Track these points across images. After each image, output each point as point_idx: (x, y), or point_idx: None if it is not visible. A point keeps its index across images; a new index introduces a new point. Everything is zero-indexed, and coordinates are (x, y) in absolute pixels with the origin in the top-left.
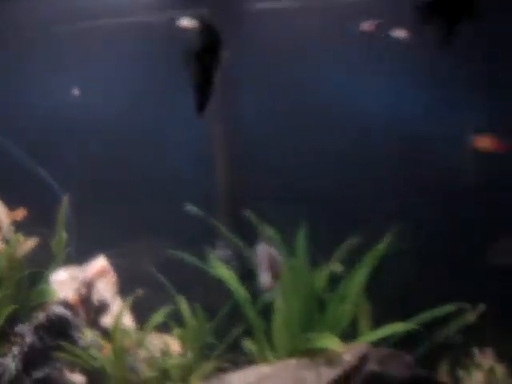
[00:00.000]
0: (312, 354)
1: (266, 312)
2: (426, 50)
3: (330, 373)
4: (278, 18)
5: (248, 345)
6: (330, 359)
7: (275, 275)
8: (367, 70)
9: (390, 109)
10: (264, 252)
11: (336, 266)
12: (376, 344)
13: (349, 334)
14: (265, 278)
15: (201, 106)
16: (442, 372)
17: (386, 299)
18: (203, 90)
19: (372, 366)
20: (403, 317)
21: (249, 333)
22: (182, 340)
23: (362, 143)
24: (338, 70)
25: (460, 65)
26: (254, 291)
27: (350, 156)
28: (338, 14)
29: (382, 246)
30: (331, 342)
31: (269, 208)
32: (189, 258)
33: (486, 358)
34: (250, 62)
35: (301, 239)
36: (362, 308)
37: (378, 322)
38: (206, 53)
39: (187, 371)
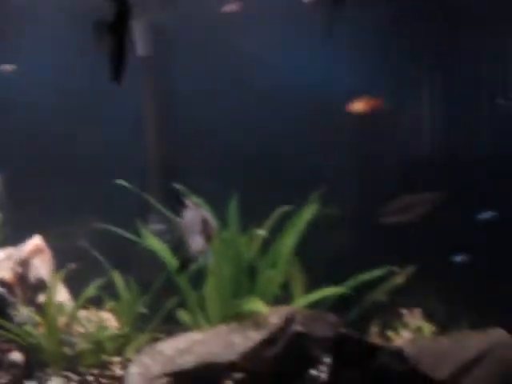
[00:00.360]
0: (242, 318)
1: (199, 282)
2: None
3: (257, 335)
4: None
5: (182, 315)
6: (258, 322)
7: (208, 238)
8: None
9: (310, 77)
10: (196, 215)
11: (261, 232)
12: (311, 308)
13: (283, 299)
14: (197, 241)
15: (116, 74)
16: (373, 333)
17: (318, 265)
18: (118, 58)
19: (297, 327)
20: (336, 282)
21: (183, 304)
22: (117, 313)
23: (290, 114)
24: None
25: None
26: (185, 260)
27: (281, 127)
28: None
29: (307, 210)
30: (258, 306)
31: (200, 181)
32: (122, 232)
33: (413, 318)
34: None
35: (232, 209)
36: (294, 273)
37: (312, 287)
38: (117, 21)
39: (122, 343)
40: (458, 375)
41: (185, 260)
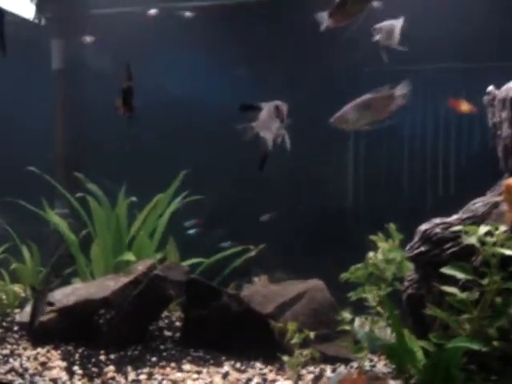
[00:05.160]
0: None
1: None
2: None
3: (126, 279)
4: None
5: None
6: (129, 271)
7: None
8: None
9: None
10: (268, 108)
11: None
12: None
13: None
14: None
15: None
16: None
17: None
18: None
19: (156, 272)
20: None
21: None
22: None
23: None
24: None
25: None
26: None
27: None
28: None
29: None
30: (129, 256)
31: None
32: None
33: (261, 282)
34: None
35: (121, 193)
36: (169, 245)
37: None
38: None
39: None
40: (281, 309)
41: (264, 156)
